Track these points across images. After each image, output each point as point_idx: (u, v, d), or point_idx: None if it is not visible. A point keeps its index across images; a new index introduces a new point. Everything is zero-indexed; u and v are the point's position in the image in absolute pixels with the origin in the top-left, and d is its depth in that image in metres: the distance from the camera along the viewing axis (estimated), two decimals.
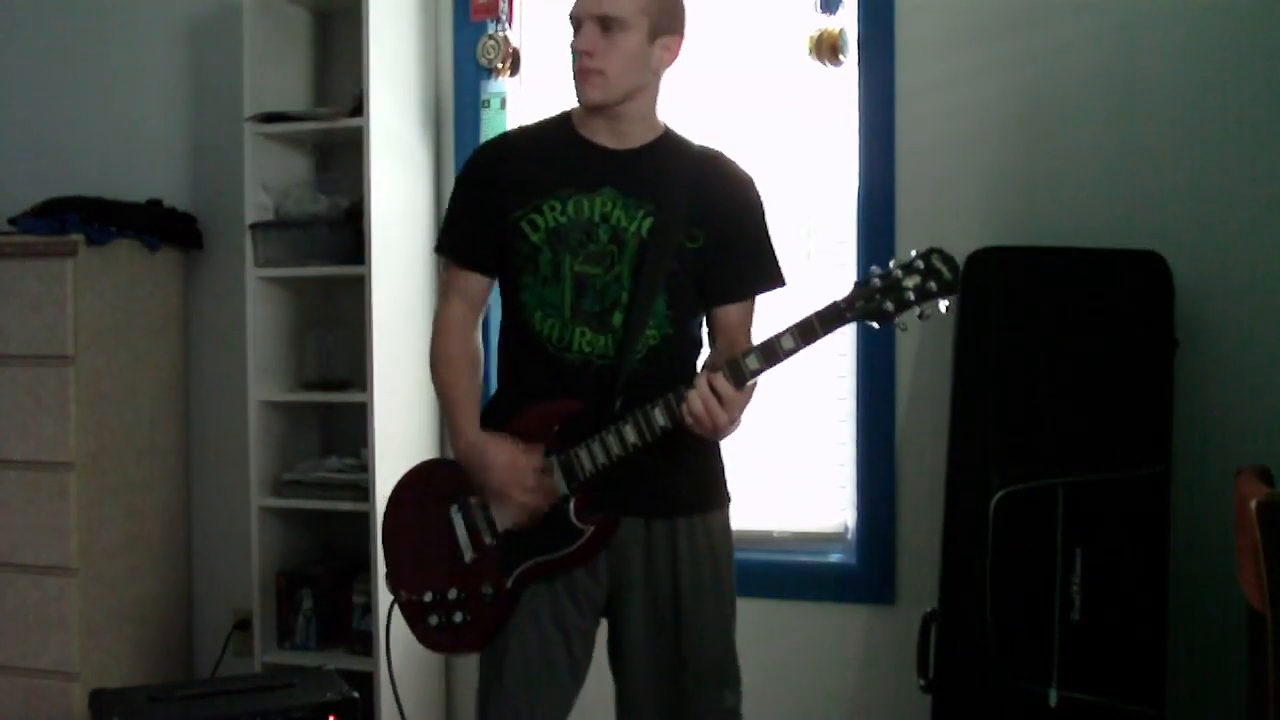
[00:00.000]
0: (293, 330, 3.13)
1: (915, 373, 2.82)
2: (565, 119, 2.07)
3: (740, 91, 2.96)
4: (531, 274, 1.99)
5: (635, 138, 2.02)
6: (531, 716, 2.01)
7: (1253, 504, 1.78)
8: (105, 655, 2.99)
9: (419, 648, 2.08)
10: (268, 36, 3.03)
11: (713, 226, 2.00)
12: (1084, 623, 2.43)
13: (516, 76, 3.08)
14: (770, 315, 2.06)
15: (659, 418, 1.90)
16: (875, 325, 1.87)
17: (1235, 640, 2.07)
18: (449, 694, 3.17)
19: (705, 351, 2.11)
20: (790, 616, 2.91)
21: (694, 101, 2.77)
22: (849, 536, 2.94)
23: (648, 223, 1.97)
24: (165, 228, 3.23)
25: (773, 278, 2.08)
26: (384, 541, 2.13)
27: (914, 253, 1.85)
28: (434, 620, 2.03)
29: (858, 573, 2.90)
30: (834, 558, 2.96)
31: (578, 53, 1.95)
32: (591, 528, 1.95)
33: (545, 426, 1.96)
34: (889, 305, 1.84)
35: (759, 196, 2.08)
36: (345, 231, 2.96)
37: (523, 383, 2.05)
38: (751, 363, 1.86)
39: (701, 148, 2.07)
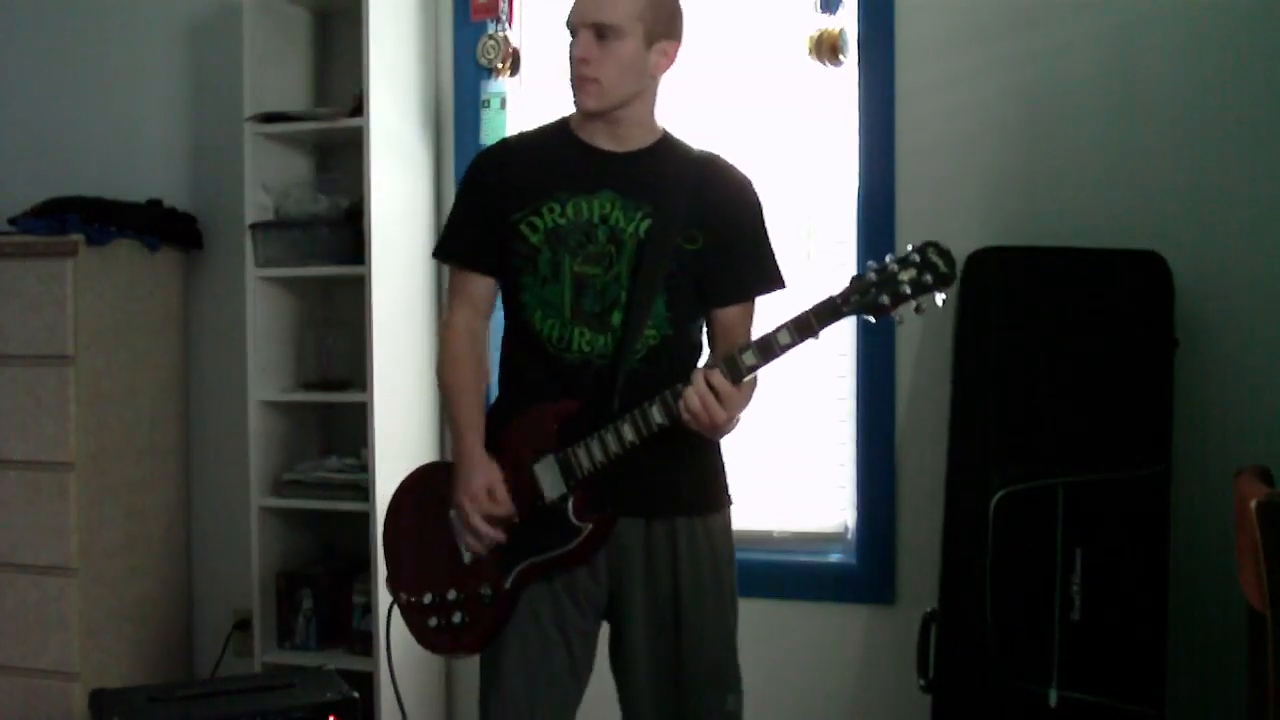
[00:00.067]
0: (293, 330, 3.13)
1: (915, 373, 2.82)
2: (564, 124, 2.08)
3: (740, 91, 2.96)
4: (531, 275, 2.00)
5: (634, 141, 2.03)
6: (532, 716, 2.01)
7: (1253, 504, 1.78)
8: (105, 655, 2.99)
9: (420, 648, 2.08)
10: (268, 36, 3.03)
11: (711, 229, 2.01)
12: (1084, 623, 2.43)
13: (516, 76, 3.08)
14: (770, 315, 2.05)
15: (656, 415, 1.90)
16: (872, 319, 1.87)
17: (1235, 640, 2.08)
18: (449, 694, 3.17)
19: (705, 356, 2.11)
20: (790, 616, 2.91)
21: (694, 101, 2.78)
22: (849, 536, 2.94)
23: (646, 224, 1.98)
24: (165, 228, 3.23)
25: (771, 280, 2.08)
26: (385, 546, 2.14)
27: (910, 247, 1.85)
28: (433, 622, 2.03)
29: (858, 573, 2.90)
30: (834, 558, 2.96)
31: (574, 60, 1.96)
32: (589, 526, 1.95)
33: (544, 427, 1.97)
34: (885, 299, 1.84)
35: (757, 199, 2.09)
36: (345, 231, 2.96)
37: (523, 383, 2.05)
38: (748, 358, 1.86)
39: (700, 151, 2.08)
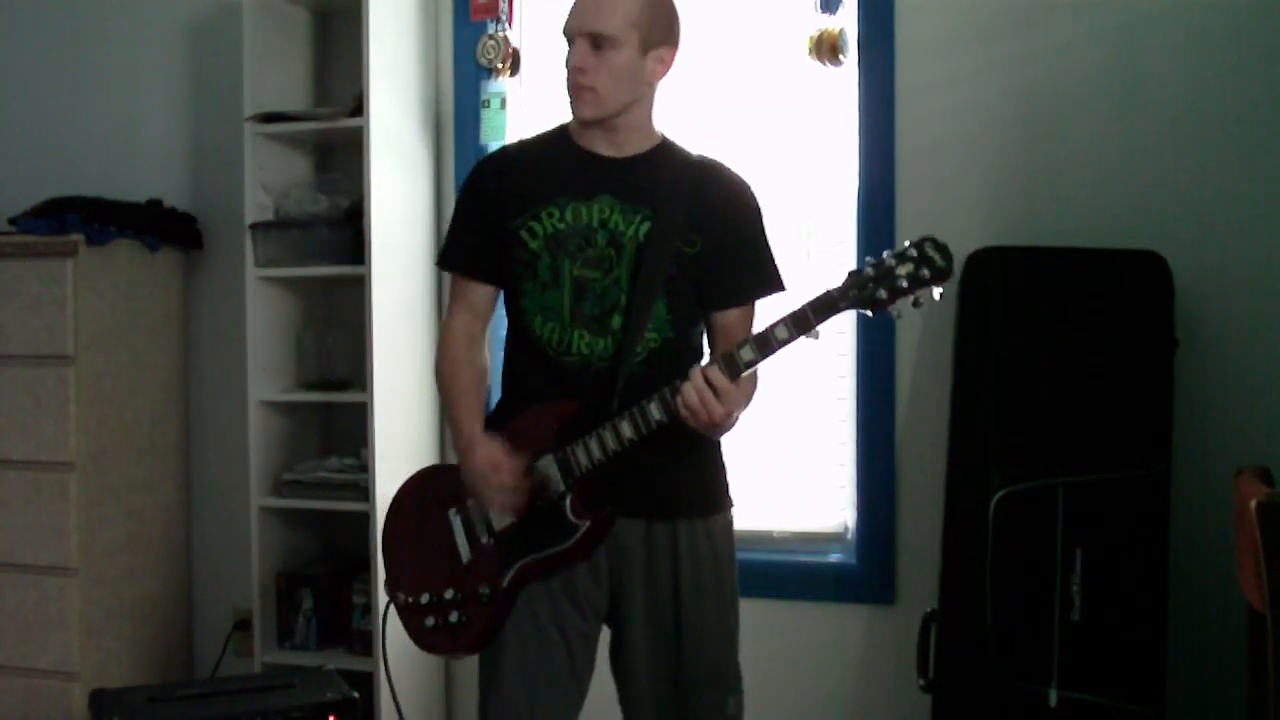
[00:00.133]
0: (293, 330, 3.13)
1: (915, 373, 2.82)
2: (563, 130, 2.08)
3: (740, 92, 2.96)
4: (531, 280, 2.00)
5: (632, 146, 2.03)
6: (531, 716, 2.01)
7: (1253, 504, 1.78)
8: (105, 655, 2.99)
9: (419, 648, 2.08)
10: (268, 36, 3.03)
11: (710, 232, 2.01)
12: (1084, 623, 2.43)
13: (516, 76, 3.08)
14: (770, 316, 2.05)
15: (655, 412, 1.89)
16: (869, 314, 1.87)
17: (1235, 640, 2.08)
18: (449, 694, 3.17)
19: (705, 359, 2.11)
20: (790, 616, 2.91)
21: (694, 102, 2.78)
22: (849, 536, 2.94)
23: (645, 227, 1.98)
24: (165, 228, 3.23)
25: (770, 283, 2.08)
26: (384, 547, 2.15)
27: (907, 242, 1.85)
28: (430, 622, 2.03)
29: (858, 573, 2.90)
30: (834, 558, 2.96)
31: (571, 69, 1.96)
32: (586, 523, 1.95)
33: (544, 427, 1.97)
34: (882, 293, 1.84)
35: (756, 203, 2.09)
36: (345, 231, 2.96)
37: (524, 387, 2.05)
38: (746, 353, 1.86)
39: (699, 156, 2.08)
